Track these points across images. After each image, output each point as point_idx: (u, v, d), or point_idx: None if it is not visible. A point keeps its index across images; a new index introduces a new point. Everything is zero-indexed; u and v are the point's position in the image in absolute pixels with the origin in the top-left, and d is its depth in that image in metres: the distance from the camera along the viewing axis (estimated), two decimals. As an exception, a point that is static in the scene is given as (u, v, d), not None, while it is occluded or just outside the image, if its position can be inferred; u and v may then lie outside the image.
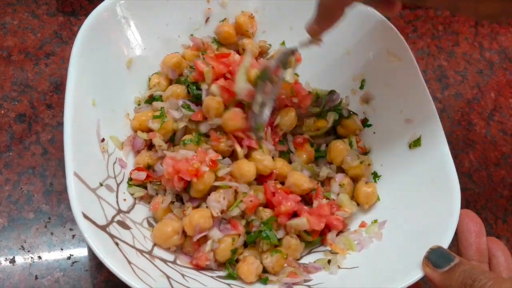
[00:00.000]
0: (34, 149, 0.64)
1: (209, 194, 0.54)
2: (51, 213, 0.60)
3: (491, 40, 0.85)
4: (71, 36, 0.73)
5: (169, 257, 0.52)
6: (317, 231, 0.56)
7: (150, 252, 0.50)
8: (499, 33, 0.86)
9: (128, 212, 0.53)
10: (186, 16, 0.65)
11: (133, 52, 0.61)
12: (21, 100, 0.67)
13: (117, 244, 0.47)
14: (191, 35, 0.66)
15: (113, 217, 0.50)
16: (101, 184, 0.51)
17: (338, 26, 0.52)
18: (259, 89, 0.57)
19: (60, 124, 0.65)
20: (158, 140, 0.57)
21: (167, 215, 0.54)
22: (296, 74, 0.66)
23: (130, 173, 0.56)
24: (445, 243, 0.49)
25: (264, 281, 0.53)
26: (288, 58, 0.59)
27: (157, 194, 0.56)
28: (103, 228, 0.47)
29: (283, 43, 0.68)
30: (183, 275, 0.50)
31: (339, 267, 0.53)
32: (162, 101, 0.61)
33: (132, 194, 0.55)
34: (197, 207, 0.54)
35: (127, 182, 0.56)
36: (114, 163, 0.55)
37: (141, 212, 0.55)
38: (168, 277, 0.48)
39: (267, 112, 0.57)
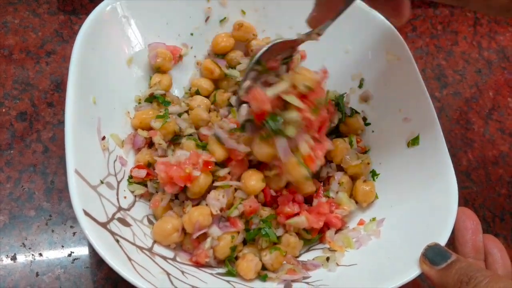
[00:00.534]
0: (35, 147, 0.64)
1: (208, 192, 0.54)
2: (52, 210, 0.60)
3: (490, 40, 0.86)
4: (71, 34, 0.73)
5: (169, 254, 0.52)
6: (316, 229, 0.56)
7: (150, 249, 0.51)
8: (498, 33, 0.87)
9: (128, 209, 0.53)
10: (186, 15, 0.65)
11: (134, 50, 0.62)
12: (22, 98, 0.67)
13: (117, 241, 0.47)
14: (191, 34, 0.66)
15: (114, 214, 0.50)
16: (101, 182, 0.51)
17: (337, 25, 0.52)
18: (248, 75, 0.53)
19: (61, 122, 0.65)
20: (158, 138, 0.57)
21: (167, 213, 0.54)
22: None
23: (131, 171, 0.56)
24: (443, 241, 0.49)
25: (263, 278, 0.53)
26: (288, 51, 0.55)
27: (157, 192, 0.56)
28: (104, 225, 0.47)
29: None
30: (182, 272, 0.50)
31: (337, 264, 0.54)
32: (163, 100, 0.61)
33: (132, 192, 0.56)
34: (197, 205, 0.54)
35: (128, 180, 0.56)
36: (115, 161, 0.55)
37: (141, 209, 0.55)
38: (168, 274, 0.48)
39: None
